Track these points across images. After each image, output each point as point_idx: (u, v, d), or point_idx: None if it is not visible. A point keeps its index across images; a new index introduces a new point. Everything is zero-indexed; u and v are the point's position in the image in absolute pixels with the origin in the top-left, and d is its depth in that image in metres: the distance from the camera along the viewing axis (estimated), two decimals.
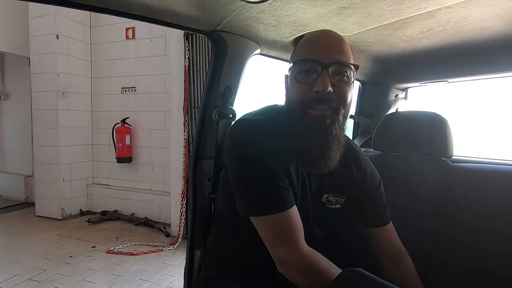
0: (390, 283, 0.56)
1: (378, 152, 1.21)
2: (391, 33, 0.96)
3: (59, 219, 3.38)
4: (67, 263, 2.38)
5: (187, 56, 2.74)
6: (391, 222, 0.87)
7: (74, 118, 3.53)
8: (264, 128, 0.71)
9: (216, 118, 0.92)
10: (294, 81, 0.70)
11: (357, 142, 1.56)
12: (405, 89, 1.59)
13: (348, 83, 0.69)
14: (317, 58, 0.67)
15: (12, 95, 4.27)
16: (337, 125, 0.69)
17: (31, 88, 3.49)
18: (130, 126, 3.46)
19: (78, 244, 2.73)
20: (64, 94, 3.39)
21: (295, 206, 0.69)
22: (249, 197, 0.69)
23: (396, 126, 1.15)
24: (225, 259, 0.84)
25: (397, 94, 1.57)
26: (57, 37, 3.30)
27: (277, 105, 0.81)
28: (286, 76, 0.77)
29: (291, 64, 0.73)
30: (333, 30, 0.91)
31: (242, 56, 0.96)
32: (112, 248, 2.61)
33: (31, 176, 3.94)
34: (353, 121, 1.65)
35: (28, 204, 3.91)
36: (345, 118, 0.71)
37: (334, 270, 0.65)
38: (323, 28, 0.89)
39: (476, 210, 0.95)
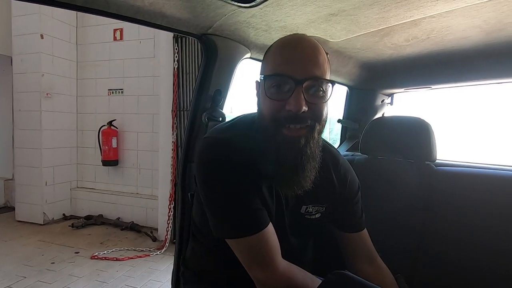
0: (375, 285, 0.58)
1: (365, 155, 1.23)
2: (378, 40, 0.99)
3: (40, 224, 3.26)
4: (49, 269, 2.29)
5: (176, 59, 2.72)
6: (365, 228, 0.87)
7: (58, 119, 3.43)
8: (232, 147, 0.67)
9: (206, 121, 0.92)
10: (265, 96, 0.64)
11: (345, 146, 1.59)
12: (391, 95, 1.63)
13: (324, 99, 0.64)
14: (290, 72, 0.61)
15: None
16: (312, 144, 0.65)
17: (13, 89, 3.38)
18: (117, 128, 3.40)
19: (60, 250, 2.64)
20: (48, 95, 3.30)
21: (269, 224, 0.66)
22: (221, 220, 0.67)
23: (382, 130, 1.18)
24: (203, 273, 0.83)
25: (383, 100, 1.61)
26: (42, 36, 3.21)
27: (250, 115, 0.76)
28: (257, 83, 0.71)
29: (262, 76, 0.67)
30: (322, 37, 0.94)
31: (233, 59, 0.96)
32: (96, 254, 2.54)
33: (12, 179, 3.79)
34: (341, 125, 1.69)
35: (8, 208, 3.76)
36: (320, 133, 0.68)
37: (312, 284, 0.65)
38: (312, 34, 0.91)
39: (458, 209, 0.99)
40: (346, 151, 1.54)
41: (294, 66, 0.61)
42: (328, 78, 0.65)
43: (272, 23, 0.83)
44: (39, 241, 2.83)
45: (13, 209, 3.54)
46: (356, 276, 0.60)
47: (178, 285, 0.99)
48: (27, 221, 3.33)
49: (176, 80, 2.76)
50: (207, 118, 0.92)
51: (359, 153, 1.27)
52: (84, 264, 2.40)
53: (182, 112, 2.76)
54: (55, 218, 3.41)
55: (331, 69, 1.24)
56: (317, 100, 0.63)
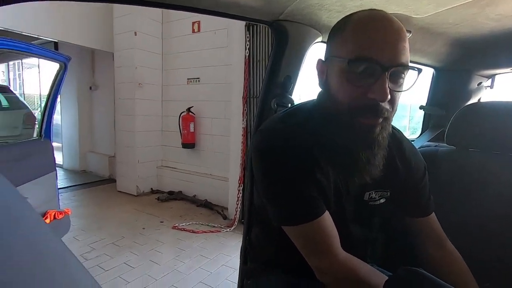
0: (450, 286, 0.52)
1: (452, 147, 1.08)
2: (477, 12, 0.84)
3: (134, 195, 3.87)
4: (141, 233, 2.73)
5: (247, 47, 2.80)
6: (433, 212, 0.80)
7: (148, 106, 3.95)
8: (288, 135, 0.67)
9: (275, 106, 0.94)
10: (343, 81, 0.60)
11: (427, 136, 1.42)
12: (491, 76, 1.38)
13: (402, 87, 0.61)
14: (377, 57, 0.56)
15: (100, 86, 4.96)
16: (384, 133, 0.63)
17: (115, 80, 4.00)
18: (194, 114, 3.72)
19: (149, 218, 3.10)
20: (140, 85, 3.80)
21: (326, 213, 0.65)
22: (277, 207, 0.67)
23: (477, 118, 1.01)
24: (266, 256, 0.86)
25: (481, 82, 1.37)
26: (135, 34, 3.69)
27: (309, 102, 0.75)
28: (321, 62, 0.66)
29: (334, 56, 0.63)
30: (404, 13, 0.84)
31: (303, 44, 0.95)
32: (177, 225, 2.89)
33: (114, 156, 4.56)
34: (423, 112, 1.51)
35: (111, 180, 4.56)
36: (391, 123, 0.65)
37: (375, 277, 0.62)
38: (393, 12, 0.82)
39: None
40: (429, 141, 1.38)
41: (382, 50, 0.56)
42: (411, 64, 0.60)
43: (347, 3, 0.78)
44: (133, 209, 3.37)
45: (114, 181, 4.27)
46: (431, 275, 0.55)
47: (245, 263, 1.06)
48: (125, 192, 3.98)
49: (247, 68, 2.85)
50: (276, 104, 0.94)
51: (445, 144, 1.12)
52: (167, 232, 2.77)
53: (252, 99, 2.86)
54: (145, 191, 3.99)
55: (414, 49, 1.11)
56: (398, 88, 0.60)
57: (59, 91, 1.79)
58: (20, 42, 1.50)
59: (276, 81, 0.95)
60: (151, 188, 4.06)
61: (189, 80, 3.81)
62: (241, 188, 2.93)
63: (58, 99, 1.93)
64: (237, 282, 1.07)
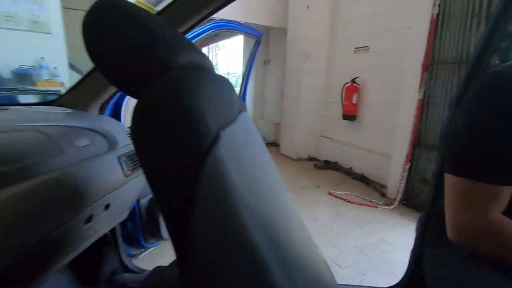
0: None
1: None
2: None
3: (294, 159, 4.30)
4: (300, 193, 3.04)
5: (437, 3, 2.35)
6: None
7: (312, 77, 4.14)
8: None
9: (496, 63, 0.78)
10: None
11: None
12: None
13: None
14: None
15: (272, 60, 5.60)
16: None
17: (286, 54, 4.40)
18: (359, 85, 3.59)
19: (307, 181, 3.39)
20: (308, 57, 4.01)
21: (507, 188, 0.55)
22: (465, 151, 0.60)
23: None
24: None
25: None
26: (308, 7, 3.85)
27: None
28: None
29: None
30: None
31: None
32: (333, 192, 3.02)
33: (279, 123, 5.16)
34: None
35: (275, 144, 5.23)
36: None
37: None
38: None
39: None
40: None
41: None
42: None
43: None
44: (294, 171, 3.78)
45: (278, 145, 4.87)
46: None
47: (426, 232, 1.00)
48: (286, 155, 4.49)
49: (434, 28, 2.42)
50: (498, 61, 0.77)
51: None
52: (323, 196, 2.96)
53: (435, 66, 2.43)
54: (303, 157, 4.35)
55: None
56: None
57: (254, 61, 2.18)
58: (231, 23, 1.92)
59: (503, 31, 0.77)
60: (309, 155, 4.37)
61: (357, 49, 3.66)
62: (407, 166, 2.66)
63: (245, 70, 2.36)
64: (408, 256, 1.05)
